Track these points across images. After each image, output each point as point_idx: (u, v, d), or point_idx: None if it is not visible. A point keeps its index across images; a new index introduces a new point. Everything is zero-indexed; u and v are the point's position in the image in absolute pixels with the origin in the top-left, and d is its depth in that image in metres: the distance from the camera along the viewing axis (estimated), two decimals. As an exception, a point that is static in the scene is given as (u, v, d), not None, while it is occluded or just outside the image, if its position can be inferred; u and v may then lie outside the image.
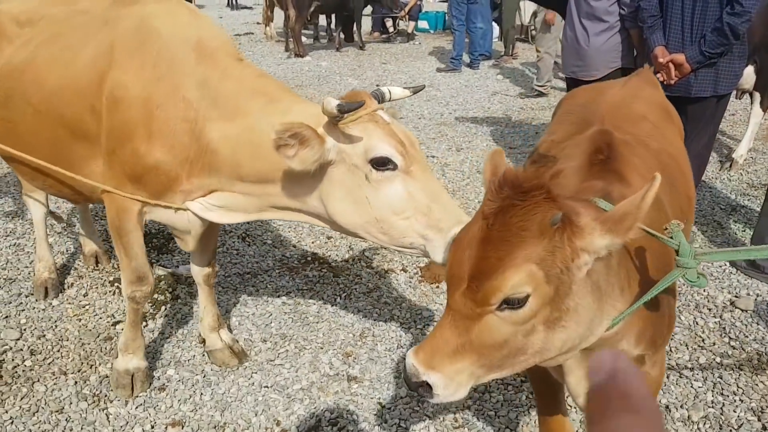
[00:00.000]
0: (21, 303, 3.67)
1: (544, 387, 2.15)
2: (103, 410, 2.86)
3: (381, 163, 2.20)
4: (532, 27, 13.57)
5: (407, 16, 14.11)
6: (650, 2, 3.98)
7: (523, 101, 8.67)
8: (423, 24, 15.24)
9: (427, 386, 1.44)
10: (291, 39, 12.13)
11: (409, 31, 14.33)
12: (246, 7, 20.33)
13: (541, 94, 8.85)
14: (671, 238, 1.58)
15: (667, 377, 3.01)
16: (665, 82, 3.89)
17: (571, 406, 2.55)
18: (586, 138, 2.00)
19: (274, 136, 2.10)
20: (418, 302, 3.75)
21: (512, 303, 1.36)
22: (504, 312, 1.37)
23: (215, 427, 2.78)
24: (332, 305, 3.70)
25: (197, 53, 2.49)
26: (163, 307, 3.65)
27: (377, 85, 9.38)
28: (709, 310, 3.55)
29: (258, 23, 15.81)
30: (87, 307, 3.66)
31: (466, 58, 11.01)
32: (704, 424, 2.75)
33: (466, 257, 1.40)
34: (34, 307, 3.63)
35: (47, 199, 3.77)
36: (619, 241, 1.38)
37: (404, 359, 1.51)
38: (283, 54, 12.17)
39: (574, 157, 1.95)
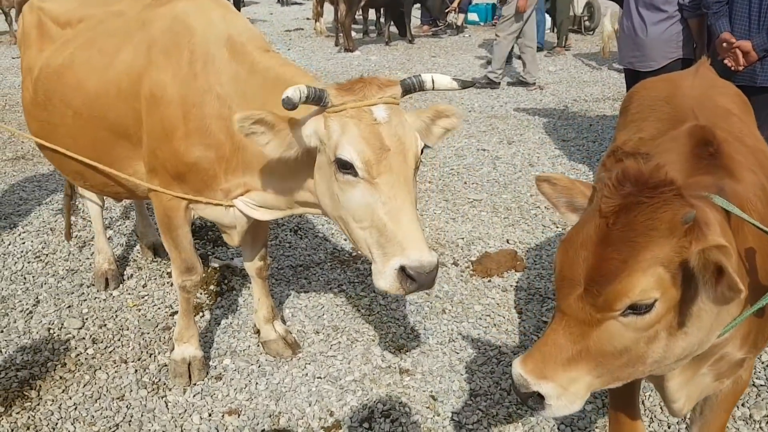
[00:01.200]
0: (83, 293, 3.79)
1: (621, 387, 2.10)
2: (162, 398, 2.94)
3: (344, 166, 2.09)
4: (586, 17, 13.33)
5: (457, 9, 13.99)
6: None
7: (577, 93, 8.49)
8: (473, 16, 15.08)
9: (539, 397, 1.37)
10: (341, 34, 12.18)
11: (459, 23, 14.20)
12: (296, 3, 20.49)
13: (492, 83, 8.65)
14: None
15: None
16: (732, 68, 3.79)
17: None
18: (685, 133, 1.93)
19: (236, 127, 2.10)
20: (469, 296, 3.72)
21: (638, 308, 1.29)
22: (628, 318, 1.30)
23: (270, 416, 2.82)
24: (383, 298, 3.70)
25: (228, 49, 2.51)
26: (218, 299, 3.72)
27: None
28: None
29: (308, 19, 15.92)
30: (146, 297, 3.76)
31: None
32: (766, 423, 2.65)
33: (582, 259, 1.34)
34: (95, 298, 3.75)
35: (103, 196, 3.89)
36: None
37: (511, 368, 1.47)
38: (333, 49, 12.23)
39: (673, 152, 1.88)
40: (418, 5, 13.68)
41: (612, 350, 1.33)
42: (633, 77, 4.41)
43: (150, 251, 4.21)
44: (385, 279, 2.08)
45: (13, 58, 11.55)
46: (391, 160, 2.07)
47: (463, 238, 4.42)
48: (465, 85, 2.35)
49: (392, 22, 12.89)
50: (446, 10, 13.89)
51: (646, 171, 1.32)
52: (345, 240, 4.44)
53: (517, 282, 3.87)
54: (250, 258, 3.15)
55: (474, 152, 6.18)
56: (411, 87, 2.23)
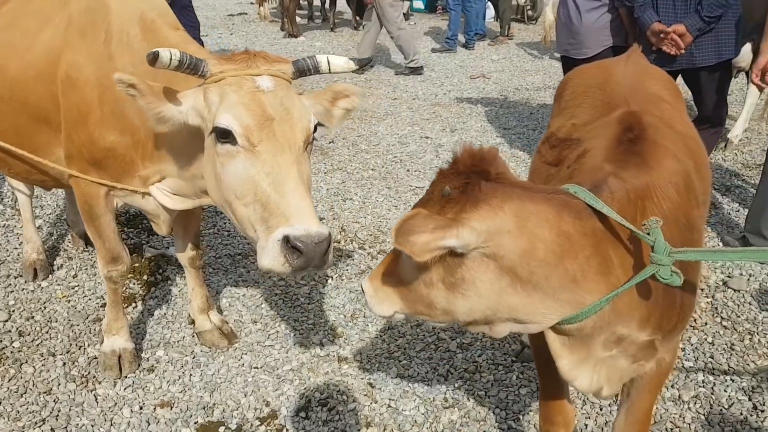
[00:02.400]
0: (9, 285, 3.64)
1: (549, 369, 2.13)
2: (91, 391, 2.85)
3: (222, 135, 1.98)
4: (528, 7, 13.50)
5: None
6: None
7: (519, 81, 8.60)
8: (418, 4, 15.07)
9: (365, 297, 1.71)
10: (286, 19, 12.00)
11: (404, 11, 14.17)
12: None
13: (416, 70, 8.81)
14: (648, 234, 1.54)
15: (658, 357, 3.00)
16: (674, 53, 3.95)
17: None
18: (614, 119, 1.97)
19: (118, 84, 2.01)
20: (409, 283, 3.72)
21: None
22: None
23: (204, 408, 2.76)
24: (323, 287, 3.68)
25: (141, 27, 2.42)
26: (152, 289, 3.62)
27: (372, 66, 9.33)
28: (702, 290, 3.54)
29: (252, 3, 15.60)
30: (76, 288, 3.64)
31: (462, 38, 10.90)
32: (694, 403, 2.75)
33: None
34: (23, 289, 3.61)
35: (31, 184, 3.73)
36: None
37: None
38: (278, 34, 12.05)
39: (602, 137, 1.93)
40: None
41: (404, 278, 1.61)
42: (569, 64, 4.49)
43: (81, 240, 4.06)
44: (268, 254, 1.92)
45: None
46: (275, 128, 1.97)
47: (404, 226, 4.41)
48: (362, 63, 2.32)
49: (353, 8, 12.76)
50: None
51: (474, 153, 1.53)
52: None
53: (456, 269, 3.89)
54: (182, 248, 3.08)
55: (417, 140, 6.19)
56: (305, 69, 2.16)
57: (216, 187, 2.12)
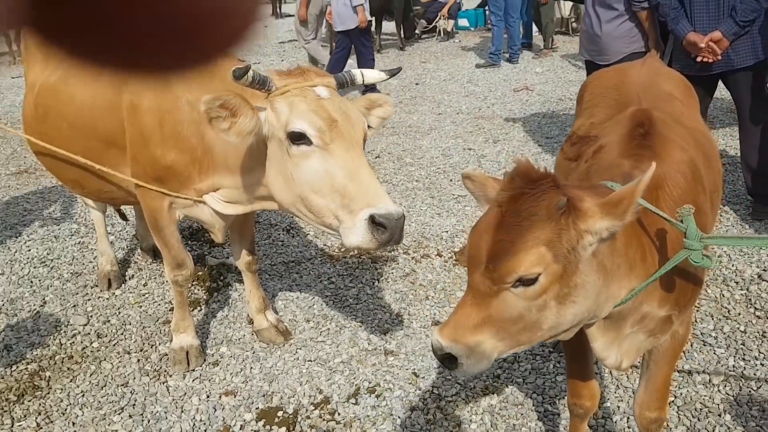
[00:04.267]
0: (87, 294, 4.02)
1: (576, 350, 2.30)
2: (163, 383, 3.16)
3: (297, 138, 2.24)
4: (572, 19, 13.59)
5: (447, 15, 14.25)
6: None
7: (562, 92, 8.73)
8: (463, 22, 15.35)
9: (452, 357, 1.57)
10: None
11: (449, 29, 14.47)
12: (289, 15, 20.78)
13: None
14: (681, 221, 1.71)
15: (691, 345, 3.12)
16: (711, 60, 4.07)
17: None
18: (627, 116, 2.15)
19: (203, 108, 2.20)
20: (452, 284, 3.94)
21: (525, 281, 1.50)
22: (518, 289, 1.51)
23: (264, 396, 3.03)
24: (370, 288, 3.92)
25: None
26: (214, 294, 3.94)
27: (416, 84, 9.63)
28: (737, 283, 3.63)
29: (301, 30, 16.21)
30: (146, 295, 3.99)
31: (505, 54, 11.09)
32: (724, 386, 2.86)
33: (483, 242, 1.56)
34: (99, 297, 3.98)
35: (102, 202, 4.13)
36: (618, 223, 1.50)
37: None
38: (327, 58, 12.47)
39: (615, 134, 2.11)
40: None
41: (509, 317, 1.54)
42: (592, 69, 4.66)
43: (149, 254, 4.43)
44: (356, 233, 2.21)
45: (13, 77, 11.84)
46: (342, 128, 2.25)
47: (447, 231, 4.63)
48: (392, 72, 2.53)
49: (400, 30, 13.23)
50: (436, 19, 14.19)
51: (531, 168, 1.54)
52: (335, 237, 4.65)
53: (497, 269, 4.07)
54: (239, 254, 3.38)
55: (460, 151, 6.41)
56: (344, 81, 2.43)
57: (285, 187, 2.39)
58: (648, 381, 2.20)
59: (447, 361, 1.59)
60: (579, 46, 5.40)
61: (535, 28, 12.74)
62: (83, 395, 3.10)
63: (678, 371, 2.94)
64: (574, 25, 13.63)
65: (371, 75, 2.52)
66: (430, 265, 4.17)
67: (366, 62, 8.86)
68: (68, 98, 3.03)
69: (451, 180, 5.64)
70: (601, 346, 1.95)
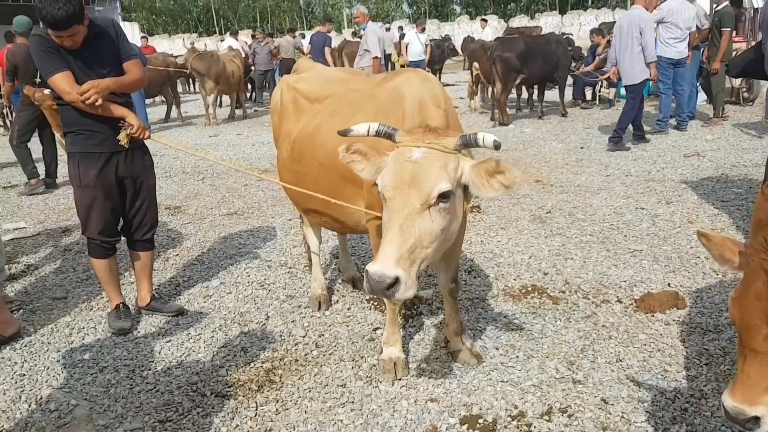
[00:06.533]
0: (302, 312, 4.67)
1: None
2: (375, 387, 3.64)
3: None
4: (744, 89, 13.27)
5: (607, 83, 14.43)
6: None
7: (736, 159, 8.61)
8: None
9: (754, 420, 1.71)
10: (496, 110, 13.04)
11: (611, 97, 14.61)
12: (447, 85, 21.87)
13: None
14: None
15: None
16: None
17: None
18: None
19: (339, 155, 2.81)
20: (633, 327, 4.14)
21: None
22: None
23: (464, 406, 3.41)
24: (553, 325, 4.23)
25: (419, 107, 3.32)
26: (409, 320, 4.43)
27: (581, 147, 9.88)
28: None
29: (461, 98, 17.09)
30: (351, 317, 4.56)
31: (673, 121, 11.08)
32: None
33: (757, 308, 1.73)
34: (312, 315, 4.61)
35: (320, 234, 4.82)
36: None
37: (722, 401, 1.88)
38: (488, 123, 13.10)
39: None
40: (570, 83, 14.32)
41: None
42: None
43: (350, 283, 5.04)
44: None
45: (210, 137, 13.46)
46: (402, 191, 2.60)
47: (626, 281, 4.84)
48: (496, 144, 2.67)
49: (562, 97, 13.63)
50: (596, 86, 14.40)
51: None
52: (514, 280, 5.02)
53: (679, 317, 4.24)
54: (444, 281, 3.84)
55: (632, 210, 6.58)
56: (468, 142, 2.74)
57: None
58: None
59: (749, 423, 1.74)
60: (765, 110, 5.47)
61: (703, 96, 12.60)
62: (310, 391, 3.65)
63: None
64: (746, 95, 13.29)
65: (488, 140, 2.70)
66: (610, 309, 4.41)
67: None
68: (321, 142, 3.72)
69: (625, 236, 5.84)
70: None
